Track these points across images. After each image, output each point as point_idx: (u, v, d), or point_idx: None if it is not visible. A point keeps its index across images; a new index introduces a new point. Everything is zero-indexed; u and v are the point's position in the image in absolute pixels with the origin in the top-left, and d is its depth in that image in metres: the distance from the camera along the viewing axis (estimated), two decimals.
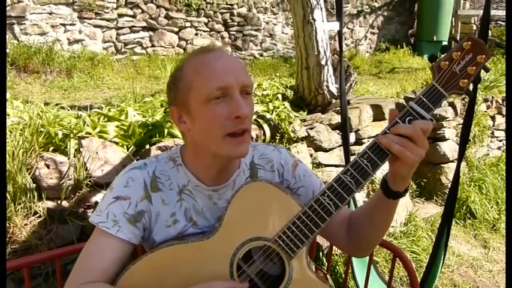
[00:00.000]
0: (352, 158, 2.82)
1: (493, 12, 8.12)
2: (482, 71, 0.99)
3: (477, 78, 1.00)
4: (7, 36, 4.97)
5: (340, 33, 2.43)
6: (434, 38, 7.69)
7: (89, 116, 2.09)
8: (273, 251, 1.00)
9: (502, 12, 8.28)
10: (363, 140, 2.97)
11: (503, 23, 8.77)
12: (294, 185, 1.15)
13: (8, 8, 4.94)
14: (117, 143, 1.99)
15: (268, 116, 2.63)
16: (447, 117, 4.08)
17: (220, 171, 1.07)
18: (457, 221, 3.93)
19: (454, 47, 0.97)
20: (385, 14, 8.75)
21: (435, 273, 2.36)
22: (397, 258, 1.51)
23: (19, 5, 5.01)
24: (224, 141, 0.97)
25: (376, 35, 8.66)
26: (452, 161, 4.20)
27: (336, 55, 2.94)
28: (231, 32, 6.63)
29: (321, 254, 2.66)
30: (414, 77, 6.17)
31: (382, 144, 0.92)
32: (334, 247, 1.82)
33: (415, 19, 8.84)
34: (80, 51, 5.37)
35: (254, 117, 2.60)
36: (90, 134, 1.92)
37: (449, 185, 3.94)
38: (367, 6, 8.44)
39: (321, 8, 2.80)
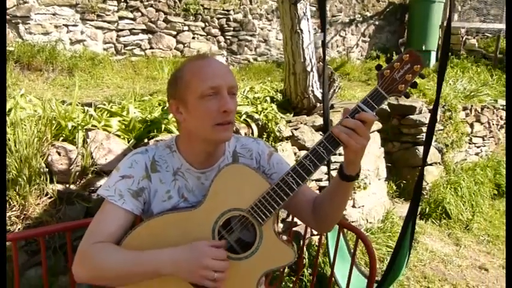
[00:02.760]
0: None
1: (478, 25, 8.44)
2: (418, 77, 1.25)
3: (414, 84, 1.25)
4: (12, 35, 5.19)
5: (323, 43, 2.68)
6: (424, 48, 7.97)
7: (95, 111, 2.34)
8: (248, 221, 1.24)
9: (487, 25, 8.59)
10: None
11: (490, 35, 9.10)
12: (268, 171, 1.40)
13: (13, 8, 5.16)
14: (119, 136, 2.24)
15: (256, 116, 2.88)
16: (426, 123, 4.36)
17: (208, 157, 1.33)
18: (433, 220, 4.18)
19: (396, 59, 1.23)
20: (377, 23, 9.04)
21: (400, 265, 2.54)
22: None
23: (25, 5, 5.24)
24: (213, 129, 1.22)
25: (367, 43, 8.94)
26: (430, 164, 4.48)
27: (321, 62, 3.20)
28: (227, 37, 6.88)
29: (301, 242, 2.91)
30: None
31: (333, 134, 1.17)
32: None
33: (406, 29, 9.13)
34: (82, 51, 5.60)
35: (244, 117, 2.85)
36: (95, 127, 2.17)
37: (427, 187, 4.22)
38: (359, 15, 8.73)
39: (308, 19, 3.06)
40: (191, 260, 1.13)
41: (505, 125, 5.71)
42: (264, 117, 2.91)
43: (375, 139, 3.54)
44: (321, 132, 3.10)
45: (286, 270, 2.73)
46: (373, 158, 3.49)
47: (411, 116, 4.32)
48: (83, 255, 1.21)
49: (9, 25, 5.19)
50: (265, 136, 2.83)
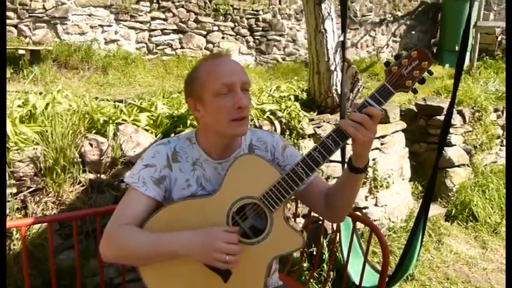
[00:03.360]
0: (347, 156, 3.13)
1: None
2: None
3: (422, 80, 1.30)
4: (51, 35, 5.46)
5: (343, 42, 2.75)
6: (456, 48, 7.82)
7: (125, 106, 2.49)
8: (260, 209, 1.33)
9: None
10: None
11: None
12: (282, 163, 1.48)
13: (52, 10, 5.43)
14: (147, 130, 2.37)
15: (279, 114, 2.96)
16: (455, 124, 4.31)
17: (224, 149, 1.42)
18: (459, 222, 4.13)
19: (404, 56, 1.28)
20: (408, 22, 8.93)
21: (411, 258, 2.54)
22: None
23: (62, 6, 5.50)
24: (229, 124, 1.31)
25: (398, 43, 8.85)
26: (458, 166, 4.42)
27: (345, 62, 3.25)
28: (256, 37, 6.98)
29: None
30: (431, 85, 6.36)
31: (341, 127, 1.24)
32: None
33: (438, 29, 8.97)
34: (115, 51, 5.82)
35: (267, 114, 2.93)
36: (125, 121, 2.31)
37: (454, 189, 4.18)
38: (390, 15, 8.65)
39: (332, 19, 3.11)
40: (205, 243, 1.23)
41: None
42: (287, 115, 2.98)
43: (400, 139, 3.55)
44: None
45: (305, 264, 2.80)
46: (397, 158, 3.50)
47: (438, 117, 4.29)
48: (109, 236, 1.32)
49: (48, 25, 5.46)
50: (287, 133, 2.90)
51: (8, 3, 5.15)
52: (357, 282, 2.70)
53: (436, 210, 4.10)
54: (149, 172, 1.38)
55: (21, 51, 4.73)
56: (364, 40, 8.40)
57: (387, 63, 1.31)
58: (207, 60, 1.37)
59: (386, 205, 3.42)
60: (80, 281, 1.80)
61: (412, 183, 4.18)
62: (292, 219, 1.42)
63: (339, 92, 3.29)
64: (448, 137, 4.24)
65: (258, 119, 2.82)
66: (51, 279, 1.69)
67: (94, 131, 2.21)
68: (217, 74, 1.30)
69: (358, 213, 3.27)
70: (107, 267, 2.11)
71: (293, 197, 1.36)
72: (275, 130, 2.85)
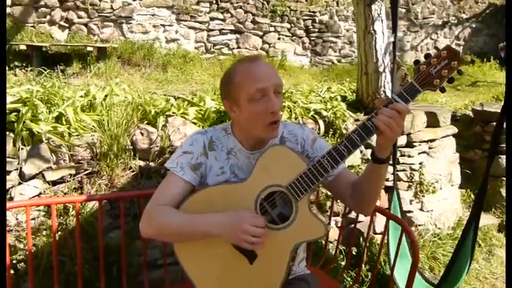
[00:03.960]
0: (397, 157, 3.10)
1: None
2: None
3: (451, 79, 1.32)
4: (116, 34, 5.82)
5: (394, 43, 2.74)
6: None
7: (175, 100, 2.65)
8: (287, 197, 1.40)
9: None
10: (414, 143, 3.21)
11: None
12: (312, 155, 1.54)
13: (119, 10, 5.79)
14: (194, 123, 2.51)
15: (324, 113, 3.00)
16: None
17: (258, 142, 1.51)
18: None
19: (433, 55, 1.31)
20: (474, 25, 8.58)
21: (461, 270, 2.45)
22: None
23: (128, 7, 5.85)
24: (263, 128, 1.41)
25: (461, 47, 8.51)
26: None
27: (395, 64, 3.23)
28: (312, 38, 7.02)
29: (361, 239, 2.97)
30: (494, 90, 6.07)
31: (372, 122, 1.28)
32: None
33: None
34: (175, 49, 6.10)
35: (312, 113, 2.99)
36: (175, 113, 2.46)
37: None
38: (453, 18, 8.35)
39: (382, 20, 3.10)
40: (234, 225, 1.32)
41: None
42: (332, 115, 3.02)
43: (450, 143, 3.46)
44: None
45: (344, 263, 2.82)
46: (446, 163, 3.41)
47: (495, 123, 4.11)
48: (148, 214, 1.45)
49: (114, 24, 5.83)
50: (331, 132, 2.94)
51: (79, 3, 5.58)
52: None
53: (488, 220, 3.94)
54: (187, 158, 1.50)
55: (89, 48, 5.09)
56: (425, 43, 8.17)
57: (416, 62, 1.34)
58: (242, 64, 1.44)
59: (432, 210, 3.34)
60: (125, 258, 1.96)
61: (464, 190, 4.04)
62: (315, 209, 1.48)
63: (387, 94, 3.27)
64: (503, 145, 4.06)
65: (302, 117, 2.88)
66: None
67: (146, 122, 2.39)
68: (251, 79, 1.38)
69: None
70: (152, 248, 2.27)
71: (319, 186, 1.42)
72: (319, 129, 2.90)
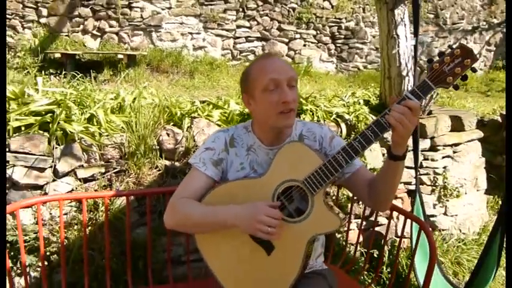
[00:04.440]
0: (420, 161, 3.09)
1: None
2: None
3: (465, 77, 1.35)
4: (146, 42, 6.02)
5: (415, 47, 2.76)
6: None
7: (201, 103, 2.75)
8: (303, 192, 1.45)
9: None
10: (438, 147, 3.20)
11: None
12: (329, 152, 1.59)
13: (149, 18, 5.99)
14: (219, 125, 2.59)
15: (346, 116, 3.04)
16: None
17: (276, 138, 1.57)
18: None
19: (447, 53, 1.34)
20: (505, 30, 8.38)
21: (487, 277, 2.41)
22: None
23: (158, 16, 6.04)
24: (277, 117, 1.47)
25: (492, 53, 8.34)
26: None
27: (419, 68, 3.24)
28: (337, 44, 7.04)
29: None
30: None
31: (384, 119, 1.32)
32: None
33: None
34: (202, 57, 6.25)
35: (334, 116, 3.03)
36: (200, 116, 2.56)
37: None
38: (484, 23, 8.20)
39: (405, 25, 3.12)
40: (250, 215, 1.38)
41: None
42: (355, 118, 3.05)
43: (475, 148, 3.42)
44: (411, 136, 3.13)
45: (366, 266, 2.83)
46: (471, 168, 3.38)
47: None
48: (171, 206, 1.53)
49: (144, 33, 6.04)
50: (353, 135, 2.97)
51: (111, 13, 5.80)
52: None
53: None
54: (209, 154, 1.58)
55: (120, 56, 5.30)
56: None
57: (430, 60, 1.37)
58: (258, 60, 1.54)
59: (456, 215, 3.31)
60: (151, 253, 2.05)
61: (492, 197, 3.98)
62: (331, 203, 1.52)
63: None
64: None
65: (324, 120, 2.93)
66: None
67: (172, 123, 2.49)
68: (266, 71, 1.46)
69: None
70: (176, 245, 2.36)
71: (334, 182, 1.47)
72: (341, 132, 2.93)
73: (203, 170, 1.56)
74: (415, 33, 2.73)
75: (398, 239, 3.07)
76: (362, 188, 1.57)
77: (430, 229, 3.15)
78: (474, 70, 1.35)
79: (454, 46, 1.36)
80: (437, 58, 1.37)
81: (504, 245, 3.57)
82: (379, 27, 3.31)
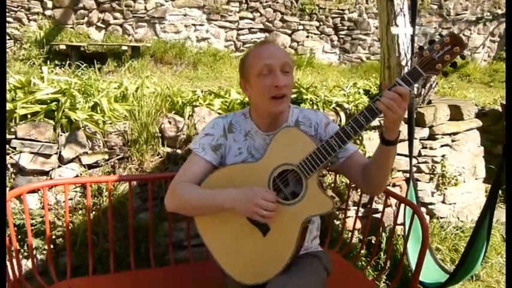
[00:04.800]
0: (419, 149, 3.14)
1: None
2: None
3: (454, 64, 1.39)
4: (150, 34, 6.06)
5: (412, 37, 2.79)
6: None
7: (202, 92, 2.81)
8: (298, 175, 1.51)
9: None
10: (436, 136, 3.23)
11: None
12: (324, 137, 1.64)
13: (152, 10, 6.03)
14: (220, 114, 2.65)
15: (346, 105, 3.08)
16: None
17: (272, 123, 1.62)
18: None
19: (437, 41, 1.38)
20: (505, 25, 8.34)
21: (476, 258, 2.46)
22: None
23: (161, 7, 6.08)
24: (269, 102, 1.52)
25: (496, 43, 8.32)
26: None
27: (413, 56, 3.27)
28: (340, 36, 7.06)
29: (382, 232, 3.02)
30: None
31: (374, 104, 1.38)
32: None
33: None
34: (206, 48, 6.29)
35: (333, 105, 3.07)
36: (201, 104, 2.61)
37: None
38: (488, 13, 8.16)
39: (404, 15, 3.15)
40: (247, 198, 1.44)
41: None
42: (354, 107, 3.09)
43: (474, 137, 3.46)
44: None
45: (363, 251, 2.89)
46: (470, 156, 3.42)
47: None
48: (172, 190, 1.60)
49: (148, 25, 6.08)
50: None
51: (115, 5, 5.85)
52: (422, 278, 2.73)
53: None
54: (208, 140, 1.64)
55: (124, 48, 5.35)
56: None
57: (421, 48, 1.42)
58: (254, 47, 1.60)
59: (455, 203, 3.36)
60: (152, 236, 2.12)
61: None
62: (325, 187, 1.57)
63: None
64: None
65: (324, 109, 2.97)
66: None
67: (173, 112, 2.55)
68: (260, 56, 1.52)
69: (423, 208, 3.27)
70: (178, 230, 2.43)
71: (328, 165, 1.53)
72: (340, 120, 2.98)
73: (202, 155, 1.62)
74: (413, 23, 2.76)
75: (393, 225, 3.13)
76: (356, 172, 1.62)
77: (425, 214, 3.21)
78: (463, 57, 1.39)
79: (444, 34, 1.40)
80: (428, 46, 1.41)
81: (503, 234, 3.61)
82: (379, 17, 3.34)
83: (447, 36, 1.37)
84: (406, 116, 3.08)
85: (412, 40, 2.84)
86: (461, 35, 8.01)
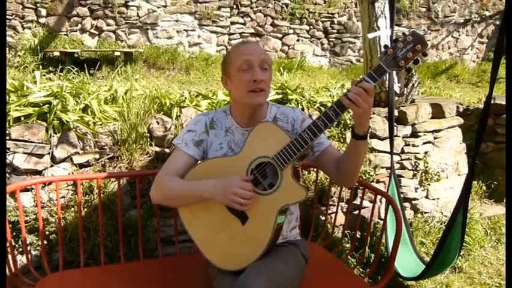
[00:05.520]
0: (402, 146, 3.24)
1: None
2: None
3: (416, 61, 1.50)
4: (143, 39, 6.17)
5: (391, 37, 2.91)
6: None
7: (189, 93, 2.91)
8: (274, 167, 1.61)
9: None
10: (419, 133, 3.34)
11: None
12: None
13: (145, 17, 6.14)
14: None
15: (329, 105, 3.19)
16: None
17: (251, 119, 1.72)
18: None
19: (401, 39, 1.49)
20: (497, 22, 8.49)
21: (452, 252, 2.52)
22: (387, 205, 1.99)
23: (153, 14, 6.20)
24: (248, 95, 1.63)
25: (485, 45, 8.47)
26: None
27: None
28: (330, 39, 7.19)
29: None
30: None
31: (342, 100, 1.48)
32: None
33: None
34: (198, 53, 6.41)
35: (317, 105, 3.18)
36: (188, 105, 2.72)
37: None
38: (476, 15, 8.32)
39: (385, 17, 3.27)
40: (225, 187, 1.54)
41: None
42: None
43: (456, 134, 3.57)
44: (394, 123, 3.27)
45: (348, 245, 2.98)
46: (452, 153, 3.52)
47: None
48: (156, 183, 1.70)
49: (140, 31, 6.20)
50: (335, 123, 3.12)
51: (108, 12, 5.97)
52: (399, 270, 2.83)
53: (500, 210, 4.01)
54: (191, 135, 1.74)
55: (117, 53, 5.46)
56: (446, 41, 8.18)
57: (386, 46, 1.53)
58: (238, 45, 1.73)
59: (438, 198, 3.46)
60: (141, 231, 2.21)
61: (476, 182, 4.12)
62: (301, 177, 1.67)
63: (392, 86, 3.42)
64: None
65: (308, 109, 3.08)
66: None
67: (162, 113, 2.65)
68: (241, 53, 1.64)
69: (407, 204, 3.38)
70: (168, 226, 2.52)
71: (302, 157, 1.63)
72: None
73: (185, 149, 1.72)
74: (391, 25, 2.88)
75: (377, 220, 3.23)
76: (330, 165, 1.73)
77: (409, 209, 3.31)
78: (425, 54, 1.50)
79: (407, 33, 1.51)
80: (392, 44, 1.52)
81: (485, 228, 3.71)
82: (361, 20, 3.45)
83: (409, 35, 1.48)
84: (387, 114, 3.20)
85: (391, 40, 2.95)
86: (450, 36, 8.18)
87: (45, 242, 2.22)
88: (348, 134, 3.10)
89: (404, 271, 2.83)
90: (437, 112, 3.47)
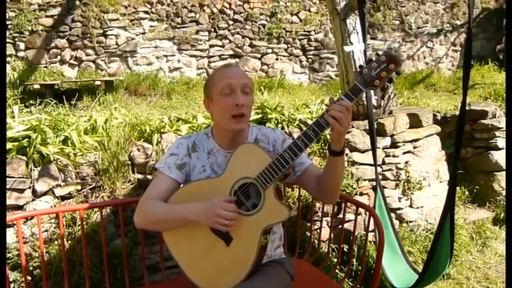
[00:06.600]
0: (383, 157, 3.29)
1: None
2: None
3: (390, 79, 1.55)
4: (122, 67, 6.20)
5: (364, 52, 3.00)
6: None
7: (169, 119, 2.94)
8: (257, 188, 1.63)
9: None
10: (398, 144, 3.41)
11: None
12: None
13: (124, 45, 6.19)
14: None
15: (309, 122, 3.24)
16: (501, 128, 4.26)
17: (232, 141, 1.75)
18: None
19: (375, 60, 1.54)
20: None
21: (442, 260, 2.56)
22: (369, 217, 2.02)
23: (132, 41, 6.26)
24: (229, 120, 1.66)
25: (458, 53, 8.68)
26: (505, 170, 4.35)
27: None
28: (309, 56, 7.31)
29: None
30: (491, 91, 6.19)
31: (324, 119, 1.51)
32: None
33: (504, 34, 8.66)
34: (178, 77, 6.45)
35: (297, 122, 3.22)
36: (168, 131, 2.74)
37: (502, 192, 4.14)
38: (448, 25, 8.55)
39: (357, 33, 3.36)
40: (208, 210, 1.55)
41: None
42: None
43: (435, 142, 3.64)
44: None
45: (336, 260, 2.99)
46: (432, 161, 3.59)
47: (483, 121, 4.29)
48: (139, 208, 1.70)
49: (120, 59, 6.24)
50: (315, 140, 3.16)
51: (87, 42, 6.00)
52: (393, 281, 2.84)
53: (483, 214, 4.08)
54: (173, 159, 1.76)
55: (97, 82, 5.48)
56: (421, 52, 8.37)
57: (361, 66, 1.58)
58: (219, 69, 1.77)
59: (422, 207, 3.51)
60: (126, 260, 2.20)
61: (459, 188, 4.19)
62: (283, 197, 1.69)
63: (369, 100, 3.50)
64: (493, 140, 4.23)
65: (288, 127, 3.12)
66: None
67: (142, 140, 2.67)
68: (223, 77, 1.67)
69: (392, 214, 3.41)
70: (154, 253, 2.51)
71: (283, 177, 1.66)
72: None
73: (168, 173, 1.73)
74: (364, 39, 2.96)
75: (363, 233, 3.25)
76: (311, 184, 1.76)
77: (394, 219, 3.34)
78: (398, 73, 1.56)
79: (380, 53, 1.56)
80: (366, 65, 1.57)
81: (471, 233, 3.75)
82: (334, 36, 3.54)
83: (383, 55, 1.53)
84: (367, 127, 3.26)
85: (365, 55, 3.03)
86: (424, 47, 8.38)
87: (29, 278, 2.19)
88: None
89: (398, 282, 2.85)
90: (415, 122, 3.55)
